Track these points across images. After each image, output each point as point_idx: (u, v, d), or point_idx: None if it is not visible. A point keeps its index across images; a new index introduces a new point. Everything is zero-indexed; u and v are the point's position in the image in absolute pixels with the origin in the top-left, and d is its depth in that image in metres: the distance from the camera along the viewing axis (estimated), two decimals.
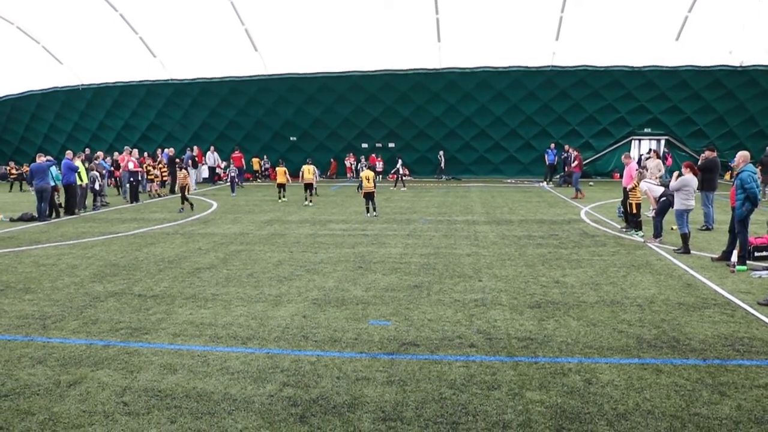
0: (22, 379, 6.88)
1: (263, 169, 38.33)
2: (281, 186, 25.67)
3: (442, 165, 36.16)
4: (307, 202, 24.09)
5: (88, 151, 29.59)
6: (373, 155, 32.83)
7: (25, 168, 36.00)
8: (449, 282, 11.22)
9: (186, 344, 7.98)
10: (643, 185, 15.54)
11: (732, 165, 25.19)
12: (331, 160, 38.05)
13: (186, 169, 24.38)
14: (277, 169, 26.47)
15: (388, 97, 35.15)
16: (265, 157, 38.64)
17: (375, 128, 36.90)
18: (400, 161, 32.49)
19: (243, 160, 35.49)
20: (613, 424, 5.68)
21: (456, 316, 9.04)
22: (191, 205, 22.57)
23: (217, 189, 32.02)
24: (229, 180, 30.07)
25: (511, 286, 10.90)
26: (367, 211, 20.45)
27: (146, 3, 31.49)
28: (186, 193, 22.39)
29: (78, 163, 22.76)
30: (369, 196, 20.33)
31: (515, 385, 6.60)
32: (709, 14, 28.82)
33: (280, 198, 25.60)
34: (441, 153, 36.30)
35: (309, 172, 24.30)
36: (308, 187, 24.21)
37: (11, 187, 34.51)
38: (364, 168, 25.14)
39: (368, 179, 20.29)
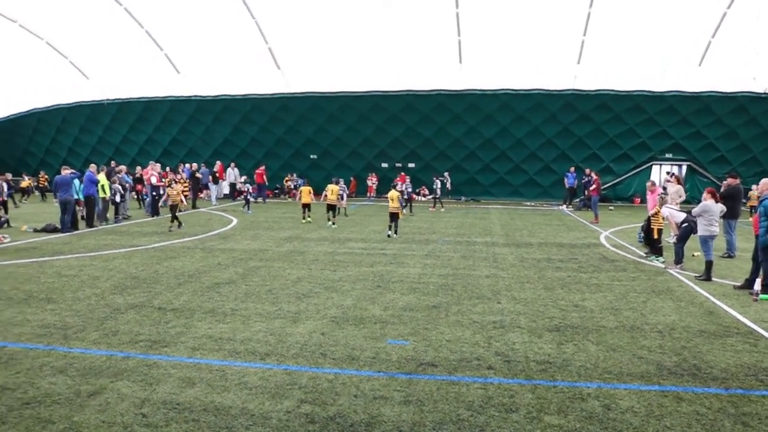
0: (43, 387, 6.95)
1: (295, 186, 38.07)
2: (306, 206, 24.05)
3: (437, 189, 31.06)
4: (329, 223, 22.71)
5: (114, 164, 29.97)
6: (403, 174, 31.76)
7: (42, 179, 36.67)
8: (468, 303, 11.19)
9: (205, 358, 8.02)
10: (665, 210, 15.46)
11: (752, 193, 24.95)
12: (351, 179, 38.19)
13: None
14: (301, 188, 24.86)
15: (409, 118, 35.34)
16: (293, 174, 38.67)
17: (396, 148, 37.07)
18: (438, 181, 30.91)
19: (265, 176, 35.55)
20: None
21: (474, 338, 9.01)
22: (179, 223, 21.52)
23: (237, 205, 32.23)
24: (245, 197, 28.96)
25: (530, 308, 10.84)
26: (389, 228, 20.04)
27: (172, 20, 32.05)
28: (176, 212, 21.50)
29: (101, 176, 23.06)
30: (392, 217, 19.97)
31: (533, 408, 6.55)
32: (732, 40, 28.72)
33: (304, 218, 24.02)
34: (438, 177, 32.12)
35: (333, 192, 22.80)
36: (331, 208, 22.84)
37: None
38: (393, 186, 23.57)
39: (392, 199, 19.96)
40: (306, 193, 24.04)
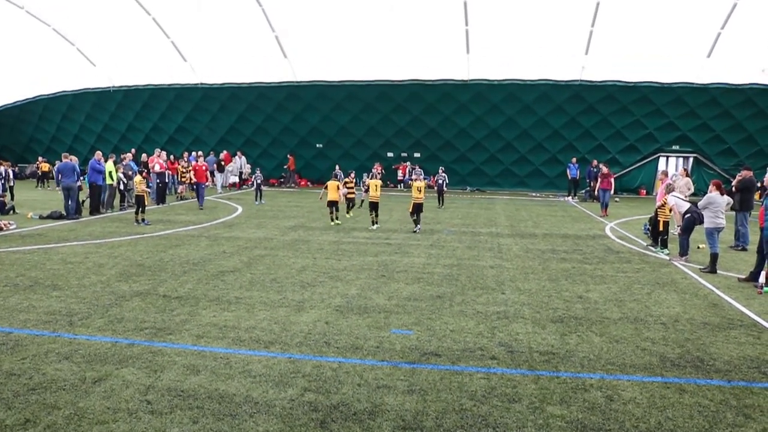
0: (48, 373, 7.00)
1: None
2: (333, 204, 20.39)
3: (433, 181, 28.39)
4: (339, 221, 20.77)
5: (134, 151, 30.01)
6: (405, 164, 30.81)
7: (42, 165, 36.57)
8: (472, 293, 11.20)
9: (209, 346, 8.06)
10: (671, 199, 15.39)
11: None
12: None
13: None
14: (328, 183, 20.79)
15: (415, 107, 35.25)
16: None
17: (401, 138, 37.01)
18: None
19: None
20: None
21: (478, 328, 9.03)
22: (142, 219, 19.87)
23: (242, 194, 32.27)
24: (254, 186, 28.20)
25: (533, 299, 10.85)
26: (416, 224, 19.00)
27: (178, 8, 31.91)
28: (143, 204, 20.01)
29: (109, 163, 23.09)
30: (417, 208, 18.94)
31: (536, 398, 6.57)
32: (742, 32, 28.46)
33: (333, 219, 20.56)
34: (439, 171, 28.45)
35: (333, 189, 20.35)
36: (374, 206, 19.98)
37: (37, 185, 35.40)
38: (415, 178, 20.57)
39: (419, 190, 18.97)
40: (333, 189, 20.39)
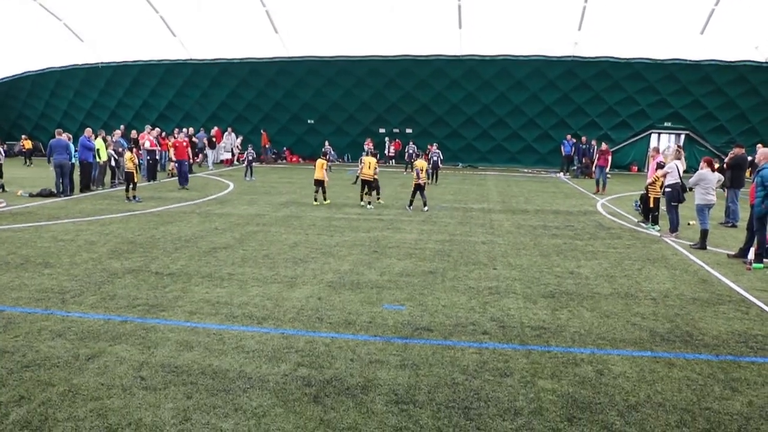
0: (42, 351, 7.01)
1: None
2: (319, 183, 19.58)
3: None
4: (364, 203, 19.40)
5: (123, 127, 29.59)
6: (398, 140, 30.12)
7: (25, 142, 36.13)
8: (464, 269, 11.25)
9: (202, 322, 8.08)
10: (672, 165, 14.97)
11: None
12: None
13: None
14: (316, 161, 19.92)
15: (406, 83, 35.08)
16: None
17: (393, 113, 36.88)
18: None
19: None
20: (624, 415, 5.71)
21: (470, 303, 9.08)
22: (133, 196, 19.68)
23: (234, 170, 32.15)
24: (246, 162, 27.66)
25: (525, 275, 10.92)
26: (423, 205, 18.40)
27: None
28: (133, 181, 19.75)
29: (98, 141, 22.93)
30: (420, 188, 18.34)
31: (527, 373, 6.64)
32: (735, 8, 28.36)
33: (316, 200, 19.82)
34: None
35: (369, 166, 18.92)
36: (367, 184, 19.16)
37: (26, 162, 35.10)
38: (417, 155, 20.76)
39: (422, 169, 18.37)
40: (320, 168, 19.48)
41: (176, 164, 25.03)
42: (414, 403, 5.87)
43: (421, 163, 18.90)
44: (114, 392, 6.00)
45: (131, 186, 19.80)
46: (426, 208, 18.41)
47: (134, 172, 20.01)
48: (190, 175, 24.94)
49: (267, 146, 37.92)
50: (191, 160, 28.16)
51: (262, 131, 37.89)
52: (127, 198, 19.68)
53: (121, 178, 24.59)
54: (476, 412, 5.72)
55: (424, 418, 5.61)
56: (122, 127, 29.37)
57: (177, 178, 24.70)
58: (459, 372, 6.63)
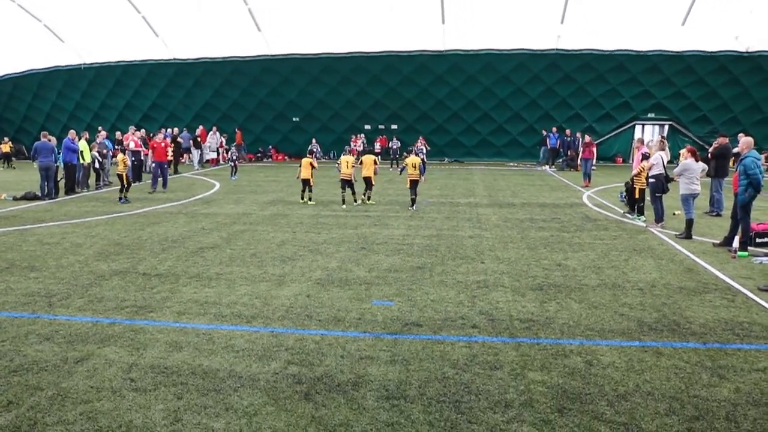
0: (30, 355, 6.96)
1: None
2: (306, 183, 19.26)
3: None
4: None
5: (100, 129, 29.24)
6: (422, 137, 30.44)
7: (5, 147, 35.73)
8: (452, 263, 11.28)
9: (191, 322, 8.05)
10: (656, 156, 15.15)
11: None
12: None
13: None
14: (302, 160, 19.54)
15: (391, 79, 35.06)
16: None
17: (378, 110, 36.87)
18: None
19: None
20: (614, 405, 5.75)
21: (459, 297, 9.11)
22: (123, 197, 19.67)
23: (219, 170, 32.02)
24: (230, 162, 27.66)
25: (513, 268, 10.96)
26: (411, 203, 18.04)
27: None
28: (125, 182, 19.69)
29: (82, 143, 22.76)
30: (413, 185, 17.91)
31: (517, 365, 6.67)
32: None
33: (303, 198, 19.52)
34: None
35: (347, 165, 18.61)
36: (347, 183, 18.76)
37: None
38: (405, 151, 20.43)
39: (414, 166, 17.78)
40: (307, 166, 19.17)
41: (153, 166, 24.11)
42: (405, 398, 5.88)
43: (413, 159, 18.20)
44: (104, 395, 5.96)
45: (126, 187, 19.79)
46: (414, 207, 17.93)
47: (124, 174, 19.74)
48: (174, 176, 24.68)
49: (240, 144, 37.24)
50: (178, 160, 27.94)
51: (237, 129, 37.27)
52: (120, 198, 19.67)
53: (107, 179, 24.45)
54: (467, 406, 5.74)
55: (415, 412, 5.62)
56: (100, 128, 28.71)
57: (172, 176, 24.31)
58: (449, 366, 6.65)
